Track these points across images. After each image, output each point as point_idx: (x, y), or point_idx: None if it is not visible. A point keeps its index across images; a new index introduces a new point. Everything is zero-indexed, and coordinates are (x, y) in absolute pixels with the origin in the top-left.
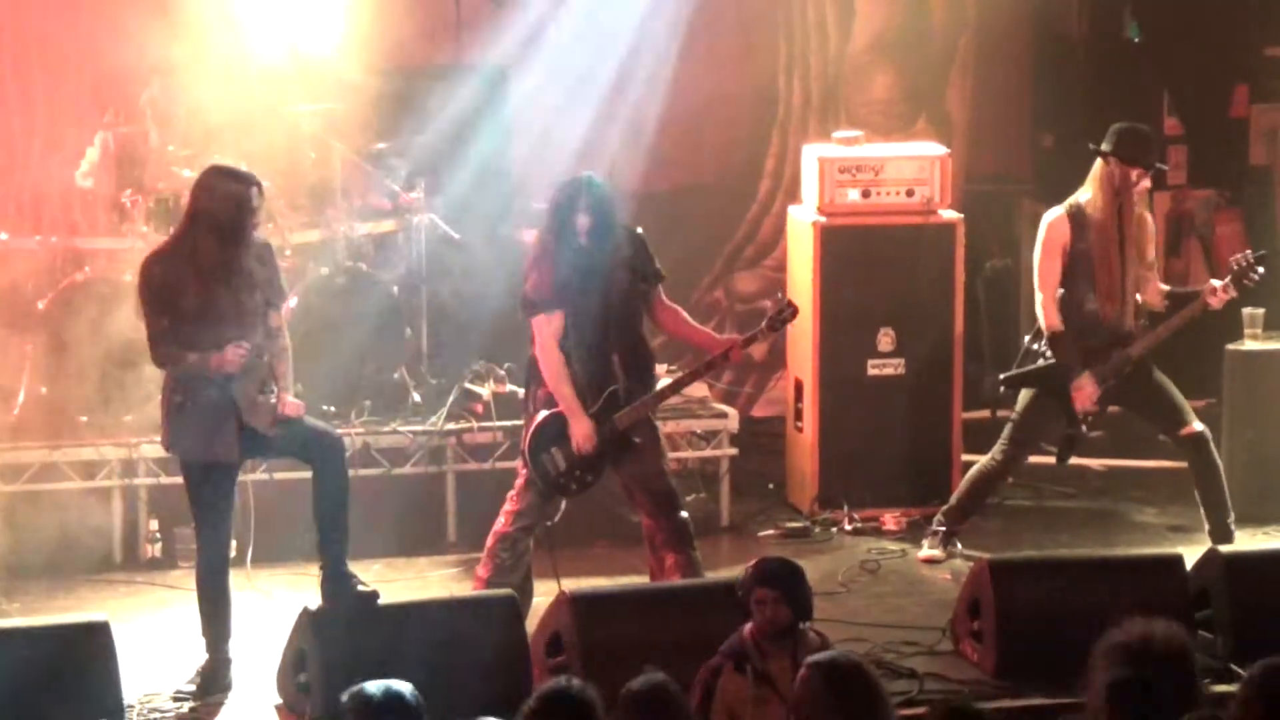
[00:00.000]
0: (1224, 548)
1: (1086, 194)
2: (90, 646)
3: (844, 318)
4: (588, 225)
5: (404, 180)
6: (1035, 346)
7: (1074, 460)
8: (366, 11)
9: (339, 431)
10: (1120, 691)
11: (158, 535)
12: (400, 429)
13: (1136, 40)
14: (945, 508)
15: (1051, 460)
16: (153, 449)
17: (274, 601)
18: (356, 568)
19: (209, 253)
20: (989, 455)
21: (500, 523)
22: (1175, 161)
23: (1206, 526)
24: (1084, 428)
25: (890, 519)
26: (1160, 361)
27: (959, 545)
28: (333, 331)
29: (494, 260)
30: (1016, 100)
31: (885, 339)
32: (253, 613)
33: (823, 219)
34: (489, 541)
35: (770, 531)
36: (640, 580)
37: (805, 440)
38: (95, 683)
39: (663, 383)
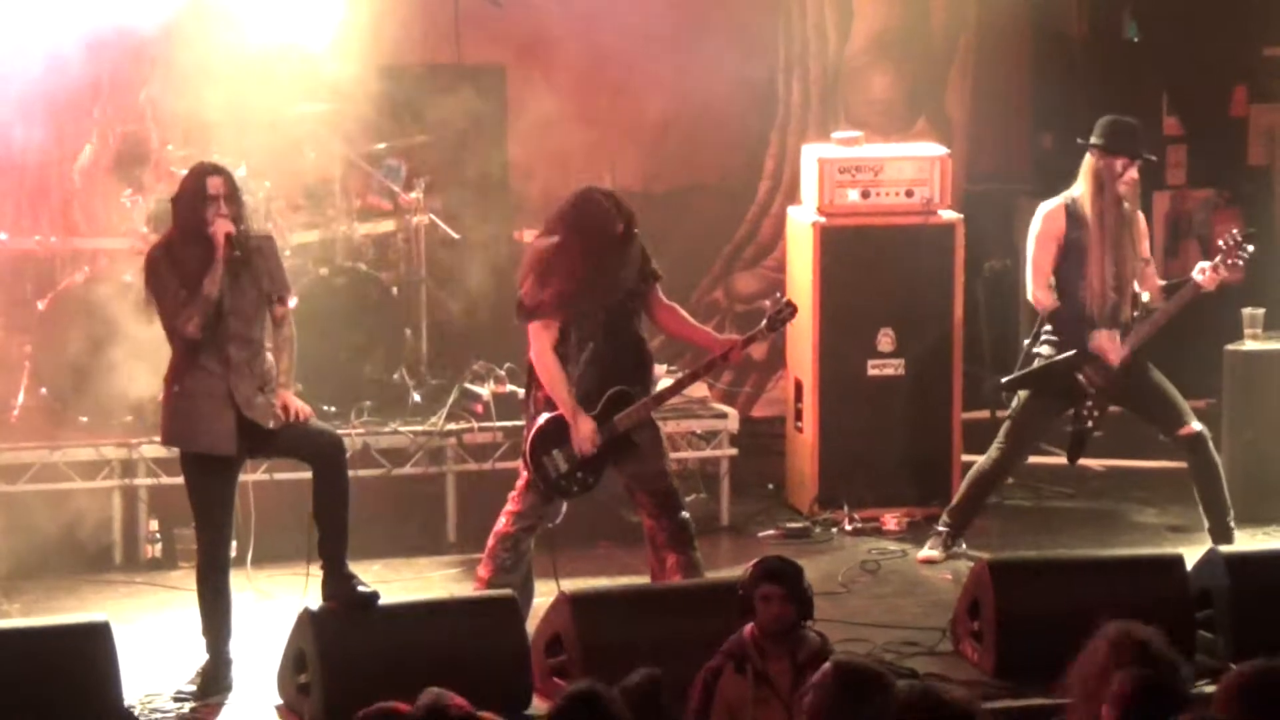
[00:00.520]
0: (1224, 548)
1: (1079, 188)
2: (90, 647)
3: (844, 318)
4: (581, 243)
5: (403, 180)
6: (1035, 349)
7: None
8: (366, 11)
9: (339, 432)
10: (1140, 693)
11: (158, 535)
12: (400, 429)
13: (1136, 40)
14: (948, 509)
15: (1051, 460)
16: (153, 449)
17: (274, 602)
18: (357, 568)
19: (181, 244)
20: (986, 456)
21: (501, 523)
22: (1174, 161)
23: (1206, 526)
24: (1090, 424)
25: (890, 519)
26: (1160, 361)
27: (963, 545)
28: (332, 332)
29: (493, 260)
30: (1016, 100)
31: (885, 339)
32: (253, 613)
33: (822, 219)
34: (489, 542)
35: (770, 532)
36: (641, 581)
37: (805, 440)
38: (95, 683)
39: (663, 383)
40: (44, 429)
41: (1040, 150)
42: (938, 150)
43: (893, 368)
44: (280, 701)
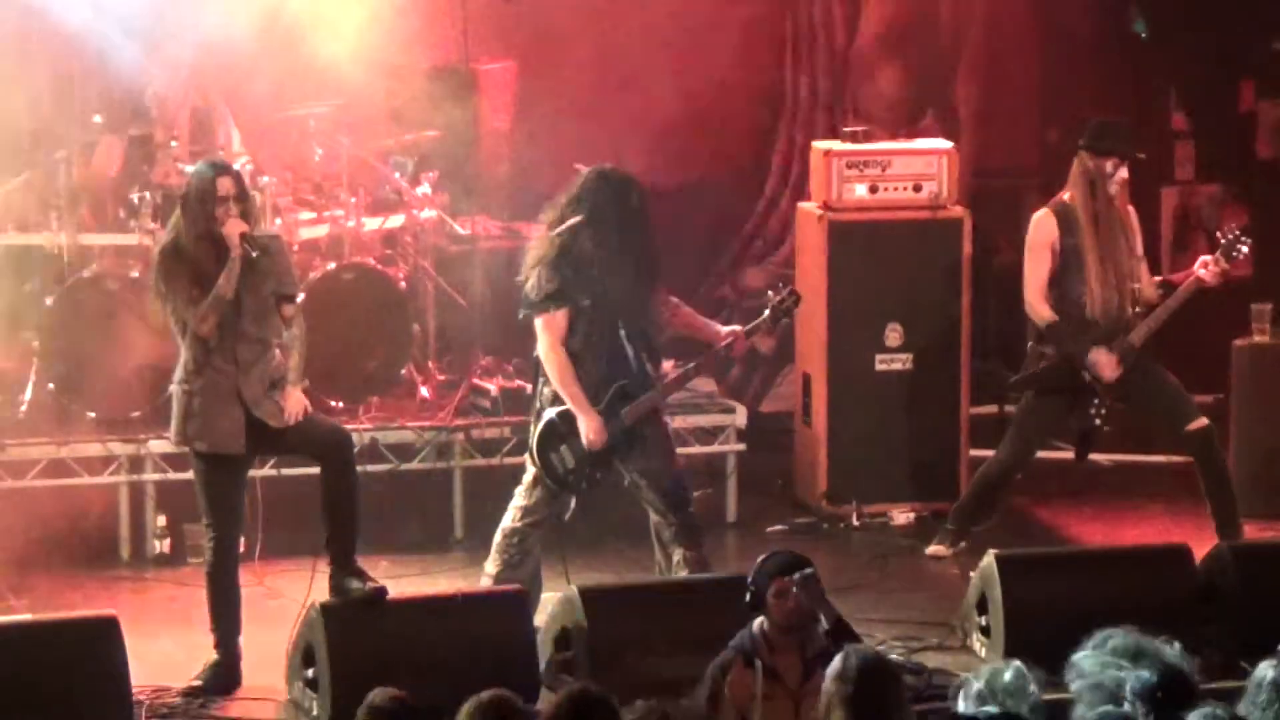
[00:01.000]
0: (1231, 542)
1: (1070, 192)
2: (99, 642)
3: (852, 313)
4: (588, 224)
5: (411, 176)
6: (1041, 349)
7: None
8: (373, 7)
9: (347, 427)
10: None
11: (166, 531)
12: (408, 425)
13: (1143, 35)
14: (955, 507)
15: (1058, 455)
16: (160, 445)
17: (282, 597)
18: (364, 563)
19: (191, 242)
20: (995, 454)
21: (508, 518)
22: (1182, 156)
23: (1213, 521)
24: (1099, 421)
25: (898, 514)
26: (1168, 356)
27: (968, 541)
28: (340, 327)
29: (500, 255)
30: (1024, 95)
31: (893, 334)
32: (261, 608)
33: (830, 214)
34: (497, 537)
35: (778, 527)
36: (648, 576)
37: (813, 435)
38: (104, 679)
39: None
40: (52, 425)
41: (1048, 145)
42: (945, 145)
43: (901, 362)
44: (288, 696)
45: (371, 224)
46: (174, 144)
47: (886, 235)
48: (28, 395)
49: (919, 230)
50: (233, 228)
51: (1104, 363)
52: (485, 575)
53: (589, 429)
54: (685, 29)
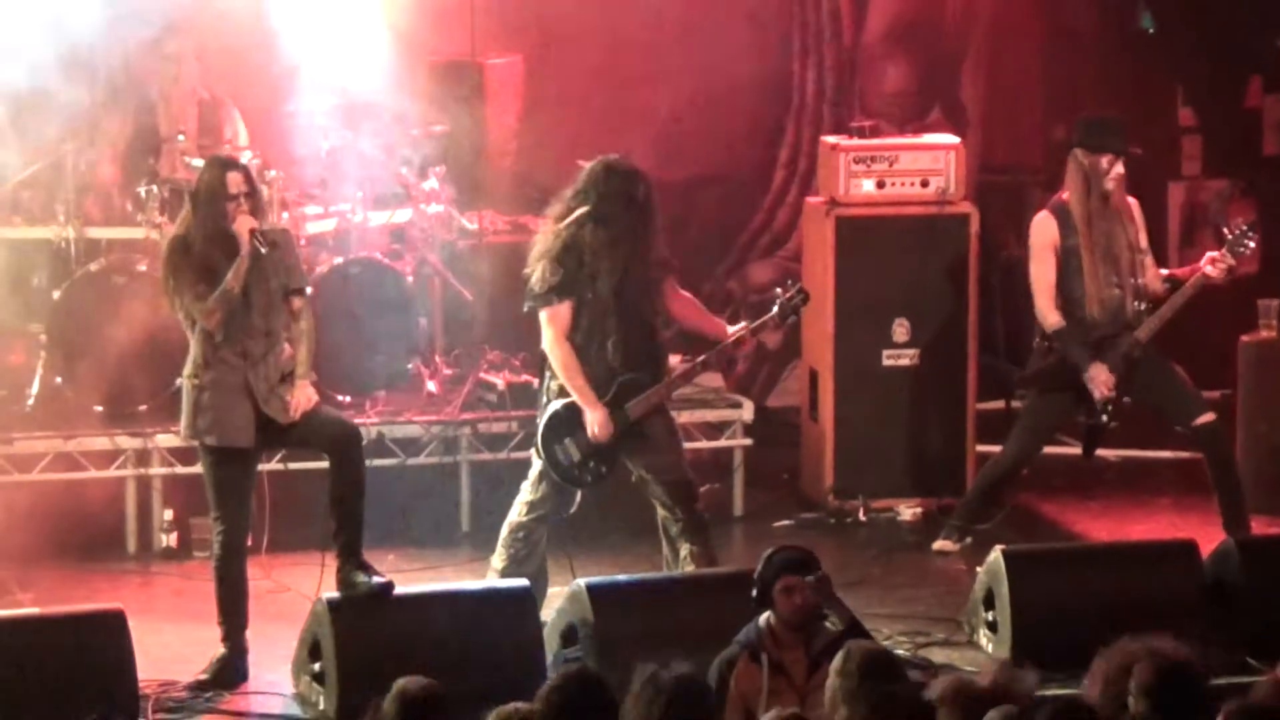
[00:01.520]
0: (1239, 538)
1: (1066, 192)
2: (105, 636)
3: (859, 308)
4: (597, 212)
5: (418, 170)
6: (1047, 344)
7: None
8: (382, 2)
9: (354, 421)
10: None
11: (173, 525)
12: (414, 419)
13: (1150, 31)
14: (961, 502)
15: (1065, 450)
16: (167, 439)
17: (289, 591)
18: (371, 557)
19: (201, 238)
20: (1002, 449)
21: (515, 513)
22: (1189, 152)
23: (1221, 516)
24: (1105, 418)
25: (905, 509)
26: (1174, 352)
27: (974, 537)
28: (347, 321)
29: (507, 250)
30: (1030, 91)
31: (900, 329)
32: (268, 602)
33: (838, 209)
34: (503, 532)
35: (785, 522)
36: (655, 571)
37: (820, 430)
38: (110, 672)
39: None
40: (58, 419)
41: (1053, 141)
42: (952, 140)
43: (908, 358)
44: (295, 690)
45: (378, 218)
46: (181, 138)
47: (893, 230)
48: (34, 389)
49: (926, 225)
50: (243, 224)
51: (1099, 380)
52: (491, 569)
53: (594, 421)
54: (693, 23)
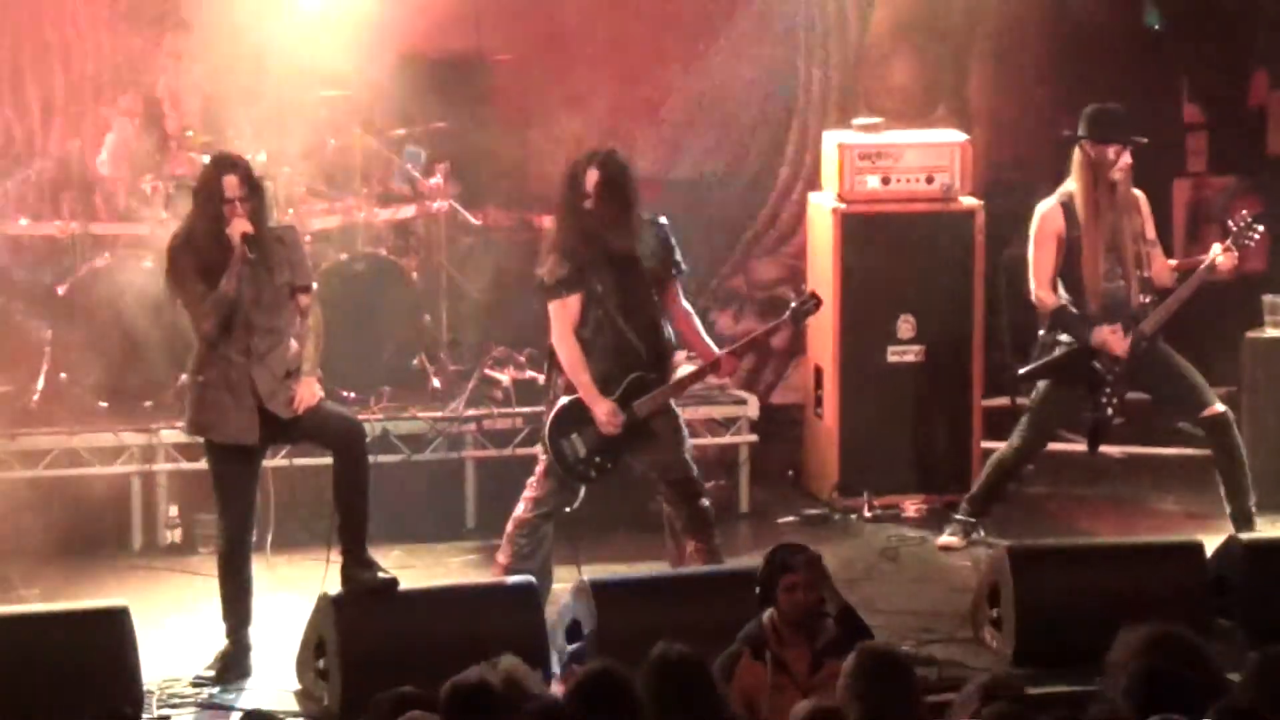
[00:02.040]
0: (1244, 535)
1: (1073, 184)
2: (109, 632)
3: (864, 304)
4: (597, 191)
5: (424, 166)
6: (1050, 338)
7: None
8: None
9: (359, 418)
10: (1139, 682)
11: (177, 521)
12: (419, 415)
13: (1156, 27)
14: (968, 496)
15: (1070, 448)
16: (172, 435)
17: (294, 588)
18: (376, 554)
19: (201, 237)
20: (1007, 443)
21: (520, 509)
22: (1195, 149)
23: (1227, 510)
24: (1110, 411)
25: (910, 506)
26: (1181, 348)
27: (982, 532)
28: (352, 318)
29: (512, 246)
30: (1036, 87)
31: (905, 326)
32: (272, 599)
33: (843, 206)
34: (508, 528)
35: (790, 519)
36: (660, 567)
37: (825, 427)
38: (114, 668)
39: (683, 370)
40: (64, 414)
41: (1059, 137)
42: (958, 136)
43: (913, 354)
44: (299, 687)
45: (384, 215)
46: (189, 134)
47: (899, 227)
48: (40, 385)
49: (931, 222)
50: (236, 228)
51: (1110, 340)
52: (496, 565)
53: (601, 413)
54: (698, 19)
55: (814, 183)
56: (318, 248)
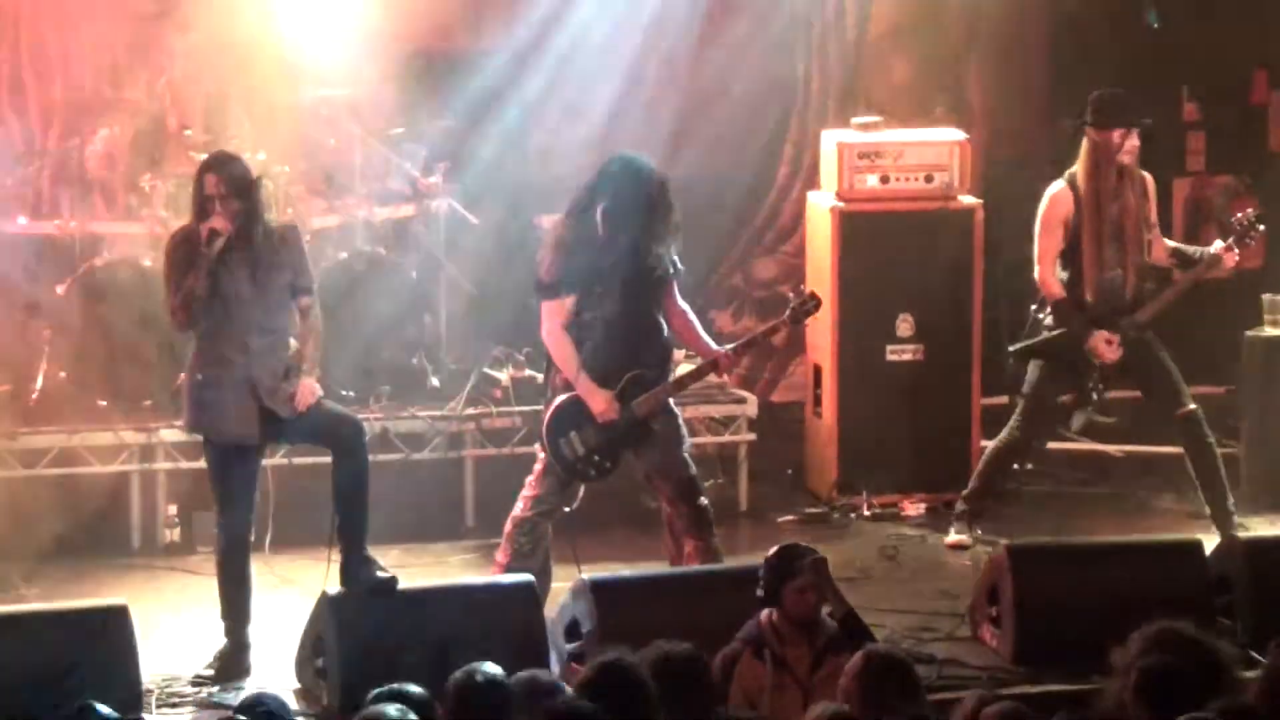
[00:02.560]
0: (1243, 534)
1: (1078, 170)
2: (109, 631)
3: (863, 303)
4: (607, 209)
5: (423, 165)
6: (1041, 316)
7: (1093, 446)
8: None
9: (358, 416)
10: (1149, 678)
11: (176, 520)
12: (419, 414)
13: (1155, 26)
14: (966, 490)
15: (1071, 447)
16: (172, 434)
17: (293, 586)
18: (375, 553)
19: (193, 232)
20: (1004, 431)
21: (519, 508)
22: (1194, 148)
23: (1207, 509)
24: (1095, 395)
25: (909, 504)
26: (1179, 347)
27: (979, 531)
28: (351, 316)
29: (512, 245)
30: (1035, 86)
31: (904, 324)
32: (272, 597)
33: (842, 204)
34: (507, 527)
35: (789, 517)
36: (659, 566)
37: (824, 426)
38: (114, 667)
39: (682, 368)
40: (63, 413)
41: (1059, 136)
42: (957, 135)
43: (912, 353)
44: (298, 685)
45: (383, 213)
46: (188, 132)
47: (898, 226)
48: (39, 384)
49: (931, 221)
50: (207, 224)
51: (1103, 349)
52: (495, 564)
53: (599, 403)
54: (697, 17)
55: (813, 181)
56: (317, 246)
